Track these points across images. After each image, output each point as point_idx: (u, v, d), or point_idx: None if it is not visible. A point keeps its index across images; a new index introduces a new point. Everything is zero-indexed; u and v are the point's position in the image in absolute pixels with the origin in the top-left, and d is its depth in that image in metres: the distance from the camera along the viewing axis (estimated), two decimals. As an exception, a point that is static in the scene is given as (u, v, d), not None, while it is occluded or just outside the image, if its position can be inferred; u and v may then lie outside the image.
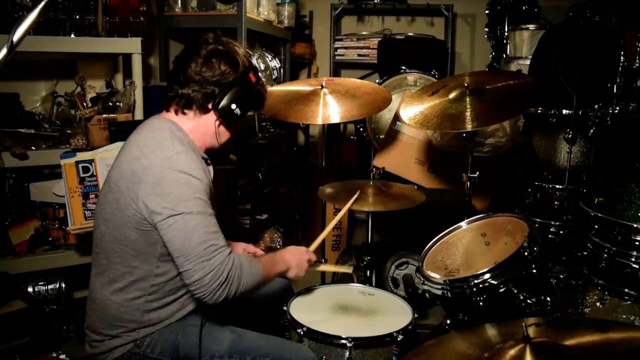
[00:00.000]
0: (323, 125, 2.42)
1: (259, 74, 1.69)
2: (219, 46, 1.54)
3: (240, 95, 1.55)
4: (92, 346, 1.56)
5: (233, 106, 1.54)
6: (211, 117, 1.57)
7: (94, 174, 2.10)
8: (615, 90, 2.11)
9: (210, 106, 1.55)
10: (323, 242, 2.57)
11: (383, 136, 2.81)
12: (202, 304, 1.57)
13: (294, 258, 1.71)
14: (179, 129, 1.53)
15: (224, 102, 1.53)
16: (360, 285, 2.07)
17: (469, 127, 1.86)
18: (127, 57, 2.53)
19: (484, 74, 2.26)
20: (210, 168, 1.64)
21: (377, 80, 3.00)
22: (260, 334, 1.61)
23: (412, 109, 2.08)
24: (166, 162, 1.41)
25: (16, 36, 1.00)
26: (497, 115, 1.94)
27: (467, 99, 1.96)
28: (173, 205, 1.38)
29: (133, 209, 1.42)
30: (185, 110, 1.55)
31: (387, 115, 2.86)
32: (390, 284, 2.85)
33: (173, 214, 1.38)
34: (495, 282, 1.62)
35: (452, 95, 2.02)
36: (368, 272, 2.47)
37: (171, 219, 1.38)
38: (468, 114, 1.89)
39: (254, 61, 3.11)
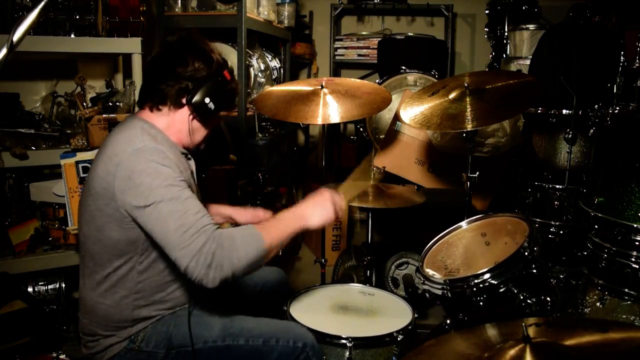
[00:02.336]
0: (323, 125, 2.42)
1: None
2: (192, 44, 1.57)
3: (214, 90, 1.56)
4: (87, 347, 1.57)
5: (207, 100, 1.54)
6: (185, 112, 1.57)
7: (94, 174, 2.11)
8: (615, 90, 2.11)
9: (184, 101, 1.55)
10: (323, 243, 2.58)
11: (383, 136, 2.81)
12: (195, 297, 1.58)
13: (311, 206, 1.58)
14: (152, 127, 1.54)
15: (197, 96, 1.53)
16: (360, 285, 2.07)
17: (469, 127, 1.86)
18: (127, 57, 2.52)
19: (484, 74, 2.25)
20: (192, 162, 1.64)
21: (377, 80, 3.00)
22: (251, 317, 1.61)
23: (412, 109, 2.08)
24: (134, 155, 1.41)
25: (16, 36, 1.00)
26: (497, 115, 1.94)
27: (467, 99, 1.96)
28: (145, 196, 1.37)
29: (112, 207, 1.43)
30: (160, 106, 1.56)
31: (387, 115, 2.86)
32: (390, 284, 2.85)
33: (146, 204, 1.37)
34: (495, 282, 1.62)
35: (452, 96, 2.02)
36: (368, 272, 2.47)
37: (147, 210, 1.37)
38: (468, 114, 1.89)
39: (255, 61, 3.13)
